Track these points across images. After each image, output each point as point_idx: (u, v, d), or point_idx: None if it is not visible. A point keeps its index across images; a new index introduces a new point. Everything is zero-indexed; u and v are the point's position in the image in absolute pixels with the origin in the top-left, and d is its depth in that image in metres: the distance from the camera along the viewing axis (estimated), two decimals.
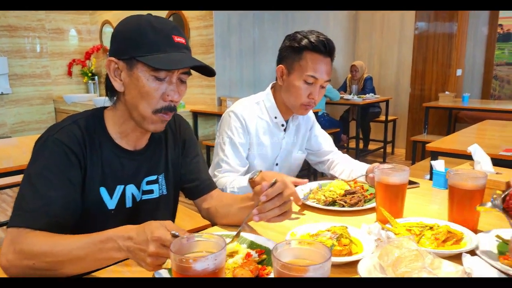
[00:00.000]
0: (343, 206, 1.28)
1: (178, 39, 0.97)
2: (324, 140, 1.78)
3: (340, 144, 5.65)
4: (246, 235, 1.01)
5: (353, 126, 5.83)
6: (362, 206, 1.28)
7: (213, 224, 1.20)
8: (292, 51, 1.46)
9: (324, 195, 1.31)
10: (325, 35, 1.48)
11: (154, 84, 0.95)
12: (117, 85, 0.98)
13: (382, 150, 5.67)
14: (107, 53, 1.12)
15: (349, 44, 6.49)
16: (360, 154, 5.31)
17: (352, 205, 1.27)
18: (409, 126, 5.56)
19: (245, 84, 4.78)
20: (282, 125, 1.60)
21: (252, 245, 0.96)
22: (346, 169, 1.63)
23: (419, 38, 5.28)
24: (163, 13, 4.74)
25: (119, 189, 1.04)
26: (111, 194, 1.03)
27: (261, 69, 4.92)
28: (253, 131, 1.55)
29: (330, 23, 5.99)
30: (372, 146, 5.89)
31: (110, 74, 0.98)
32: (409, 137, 5.15)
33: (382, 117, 5.70)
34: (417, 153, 4.57)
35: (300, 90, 1.47)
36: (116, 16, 5.47)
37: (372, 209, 1.25)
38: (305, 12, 5.39)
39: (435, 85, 5.20)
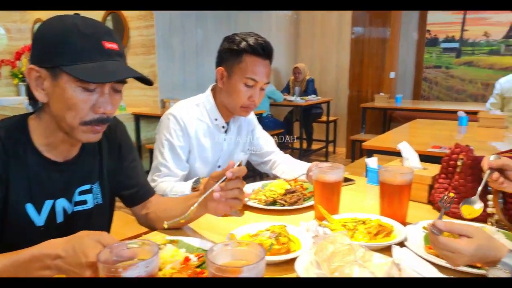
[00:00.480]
0: (284, 205, 1.30)
1: (109, 45, 0.87)
2: (266, 141, 1.80)
3: (284, 144, 5.77)
4: (185, 239, 0.99)
5: (297, 126, 5.99)
6: (302, 204, 1.31)
7: (152, 229, 1.16)
8: (231, 53, 1.47)
9: (265, 195, 1.33)
10: (264, 37, 1.49)
11: (82, 95, 0.85)
12: (40, 95, 0.88)
13: (324, 149, 5.89)
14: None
15: (291, 47, 6.66)
16: (304, 154, 5.46)
17: (292, 204, 1.30)
18: (348, 126, 5.83)
19: (189, 86, 4.71)
20: (223, 127, 1.60)
21: (191, 249, 0.95)
22: (288, 168, 1.67)
23: (356, 43, 5.55)
24: (100, 13, 4.54)
25: (47, 204, 0.96)
26: (39, 210, 0.95)
27: (205, 71, 4.88)
28: (193, 133, 1.53)
29: (272, 27, 6.11)
30: (315, 146, 6.09)
31: (31, 84, 0.88)
32: (349, 136, 5.39)
33: (324, 118, 5.91)
34: (356, 152, 4.80)
35: (240, 92, 1.47)
36: (49, 14, 5.13)
37: (311, 207, 1.29)
38: (248, 15, 5.44)
39: (371, 87, 5.49)
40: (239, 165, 0.94)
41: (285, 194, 1.33)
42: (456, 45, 5.50)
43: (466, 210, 1.03)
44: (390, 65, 5.43)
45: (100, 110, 0.88)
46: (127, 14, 4.44)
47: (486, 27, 5.24)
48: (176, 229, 1.13)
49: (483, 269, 0.85)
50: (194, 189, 1.34)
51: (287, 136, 5.82)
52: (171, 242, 0.96)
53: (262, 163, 1.78)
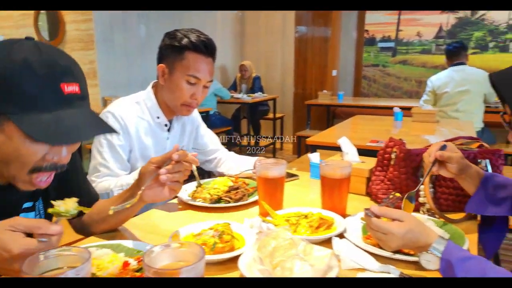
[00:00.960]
0: (229, 202, 1.29)
1: (69, 87, 0.72)
2: (210, 138, 1.79)
3: (232, 141, 5.78)
4: (124, 243, 0.95)
5: (245, 124, 6.02)
6: (247, 200, 1.31)
7: (88, 235, 1.10)
8: (173, 50, 1.43)
9: (209, 193, 1.31)
10: (206, 35, 1.47)
11: (32, 147, 0.72)
12: None
13: (272, 146, 5.97)
14: None
15: (237, 45, 6.67)
16: (252, 151, 5.51)
17: (237, 200, 1.30)
18: (294, 123, 5.96)
19: (133, 83, 4.54)
20: (166, 125, 1.56)
21: (130, 252, 0.91)
22: (234, 165, 1.66)
23: (299, 41, 5.69)
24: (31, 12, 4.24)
25: None
26: None
27: (150, 68, 4.72)
28: (134, 132, 1.47)
29: (218, 25, 6.07)
30: (262, 143, 6.16)
31: None
32: (295, 132, 5.51)
33: (271, 115, 6.00)
34: (302, 148, 4.92)
35: (182, 90, 1.44)
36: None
37: (256, 203, 1.30)
38: (192, 12, 5.35)
39: (315, 85, 5.66)
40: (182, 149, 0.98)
41: (229, 191, 1.32)
42: (392, 44, 5.82)
43: (406, 205, 1.08)
44: (332, 63, 5.63)
45: (52, 159, 0.77)
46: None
47: (418, 28, 5.60)
48: (114, 232, 1.09)
49: (416, 256, 0.91)
50: None
51: (235, 133, 5.86)
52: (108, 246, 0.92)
53: (207, 161, 1.77)
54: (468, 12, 5.26)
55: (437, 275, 0.84)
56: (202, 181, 1.41)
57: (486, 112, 3.71)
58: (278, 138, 6.18)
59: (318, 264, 0.79)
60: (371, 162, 1.46)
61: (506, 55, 5.09)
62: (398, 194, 1.05)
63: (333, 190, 1.17)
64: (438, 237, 0.86)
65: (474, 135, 2.05)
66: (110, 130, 0.81)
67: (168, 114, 1.56)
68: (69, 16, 4.18)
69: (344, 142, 1.53)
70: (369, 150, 2.19)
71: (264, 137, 6.18)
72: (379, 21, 5.83)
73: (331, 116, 5.81)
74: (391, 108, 3.55)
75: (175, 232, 0.98)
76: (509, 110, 0.83)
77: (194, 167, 1.05)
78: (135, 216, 1.13)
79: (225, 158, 1.73)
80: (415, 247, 0.87)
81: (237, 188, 1.34)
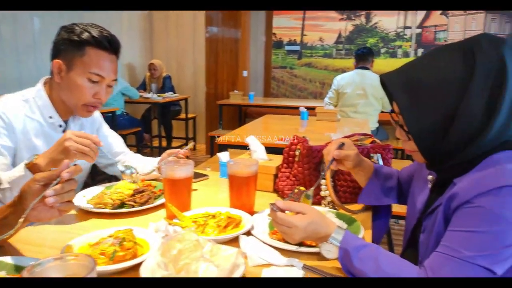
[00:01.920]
0: (133, 206, 1.22)
1: None
2: (114, 140, 1.67)
3: (143, 143, 5.54)
4: (5, 259, 0.83)
5: (156, 124, 5.80)
6: (153, 203, 1.26)
7: None
8: (71, 44, 1.30)
9: (111, 198, 1.22)
10: (108, 30, 1.37)
11: None
12: None
13: (185, 146, 5.85)
14: None
15: (146, 43, 6.41)
16: (164, 152, 5.33)
17: (142, 204, 1.23)
18: (207, 123, 5.94)
19: (26, 81, 4.07)
20: (60, 126, 1.42)
21: (13, 270, 0.80)
22: (138, 166, 1.58)
23: (210, 42, 5.68)
24: None
25: None
26: None
27: (46, 66, 4.29)
28: (21, 133, 1.31)
29: (123, 22, 5.76)
30: (175, 143, 6.02)
31: None
32: (208, 132, 5.49)
33: (183, 115, 5.89)
34: (215, 147, 4.91)
35: (84, 89, 1.32)
36: None
37: (162, 205, 1.24)
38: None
39: (227, 85, 5.70)
40: (74, 164, 0.84)
41: (133, 195, 1.25)
42: (297, 48, 6.12)
43: (305, 202, 1.12)
44: (243, 64, 5.72)
45: None
46: None
47: (320, 33, 5.98)
48: None
49: (317, 247, 0.95)
50: (30, 164, 1.14)
51: (146, 135, 5.63)
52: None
53: (110, 165, 1.65)
54: (364, 20, 5.77)
55: (337, 264, 0.89)
56: (109, 184, 1.32)
57: (381, 111, 4.10)
58: (190, 138, 6.09)
59: (224, 263, 0.78)
60: (278, 159, 1.51)
61: (395, 60, 5.70)
62: (302, 188, 1.10)
63: (241, 189, 1.18)
64: (336, 227, 0.91)
65: (369, 133, 2.25)
66: None
67: (64, 114, 1.42)
68: None
69: (252, 141, 1.55)
70: (277, 148, 2.27)
71: (176, 138, 6.04)
72: (286, 25, 6.10)
73: (243, 115, 5.91)
74: (297, 108, 3.73)
75: (68, 244, 0.89)
76: (396, 108, 0.91)
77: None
78: (25, 227, 1.00)
79: (129, 160, 1.64)
80: (317, 238, 0.92)
81: (142, 191, 1.28)
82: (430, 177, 1.01)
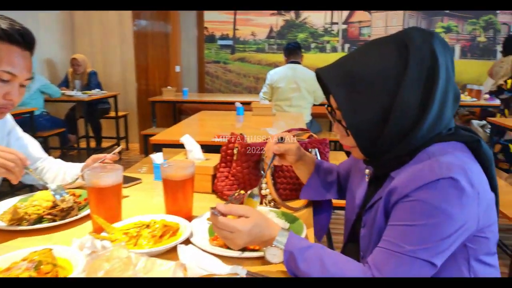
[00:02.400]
0: (54, 220, 1.08)
1: None
2: (30, 144, 1.49)
3: (68, 145, 5.13)
4: None
5: (82, 124, 5.40)
6: (78, 215, 1.12)
7: None
8: None
9: (27, 213, 1.07)
10: (21, 23, 1.20)
11: None
12: None
13: (116, 146, 5.53)
14: None
15: (66, 38, 5.91)
16: (93, 154, 4.98)
17: (64, 217, 1.10)
18: (140, 121, 5.67)
19: None
20: None
21: None
22: (59, 174, 1.43)
23: (138, 36, 5.41)
24: None
25: None
26: None
27: None
28: None
29: (39, 14, 5.24)
30: (105, 144, 5.66)
31: None
32: (141, 131, 5.24)
33: (113, 113, 5.55)
34: (149, 147, 4.70)
35: None
36: None
37: (88, 217, 1.12)
38: None
39: (159, 81, 5.48)
40: None
41: (53, 207, 1.10)
42: (230, 42, 6.06)
43: (249, 203, 1.07)
44: (174, 59, 5.53)
45: None
46: None
47: (252, 28, 5.98)
48: None
49: (260, 251, 0.91)
50: None
51: (71, 136, 5.21)
52: None
53: (26, 173, 1.46)
54: (293, 15, 5.87)
55: (282, 267, 0.85)
56: (24, 196, 1.17)
57: (313, 105, 4.21)
58: (122, 138, 5.77)
59: None
60: (216, 158, 1.44)
61: (324, 55, 5.89)
62: (242, 192, 1.05)
63: (177, 193, 1.09)
64: (280, 230, 0.87)
65: (305, 127, 2.27)
66: None
67: None
68: None
69: (188, 140, 1.47)
70: (215, 146, 2.20)
71: (106, 138, 5.68)
72: (217, 19, 6.00)
73: (177, 112, 5.73)
74: (233, 103, 3.68)
75: None
76: (334, 103, 0.90)
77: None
78: None
79: (49, 166, 1.46)
80: (261, 242, 0.87)
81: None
82: (367, 171, 1.01)
